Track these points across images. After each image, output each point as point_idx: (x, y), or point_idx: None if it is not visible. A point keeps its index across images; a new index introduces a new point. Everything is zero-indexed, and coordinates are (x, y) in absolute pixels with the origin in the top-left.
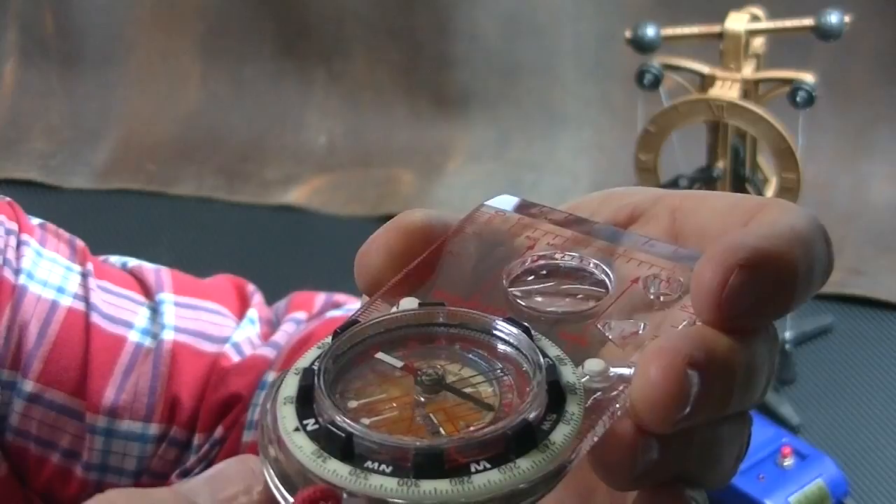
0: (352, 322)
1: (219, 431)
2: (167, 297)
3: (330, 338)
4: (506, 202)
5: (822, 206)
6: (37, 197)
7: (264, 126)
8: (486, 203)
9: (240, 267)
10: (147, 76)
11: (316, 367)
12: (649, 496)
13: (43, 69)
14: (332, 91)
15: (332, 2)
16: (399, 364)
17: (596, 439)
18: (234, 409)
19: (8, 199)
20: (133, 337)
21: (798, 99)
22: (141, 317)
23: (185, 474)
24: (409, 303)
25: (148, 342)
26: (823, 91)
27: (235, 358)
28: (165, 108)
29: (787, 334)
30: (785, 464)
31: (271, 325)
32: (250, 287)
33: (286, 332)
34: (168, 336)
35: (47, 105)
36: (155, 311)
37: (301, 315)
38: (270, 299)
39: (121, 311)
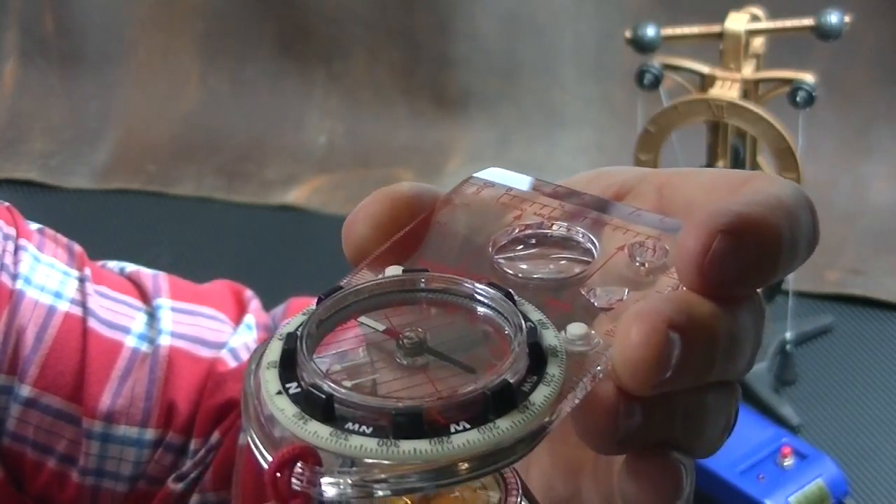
0: (336, 289)
1: (215, 436)
2: (164, 303)
3: (314, 304)
4: (494, 174)
5: (822, 206)
6: (36, 197)
7: (264, 126)
8: (474, 175)
9: (239, 267)
10: (147, 76)
11: (299, 333)
12: (636, 460)
13: (43, 69)
14: (332, 91)
15: (332, 2)
16: (381, 328)
17: (577, 401)
18: (231, 415)
19: (6, 203)
20: (130, 342)
21: (798, 99)
22: (138, 322)
23: (182, 479)
24: (393, 271)
25: (145, 347)
26: (823, 91)
27: (232, 363)
28: (165, 108)
29: (788, 334)
30: (785, 464)
31: (268, 331)
32: (248, 293)
33: None
34: (165, 341)
35: (47, 105)
36: (152, 316)
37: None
38: (269, 299)
39: (118, 317)
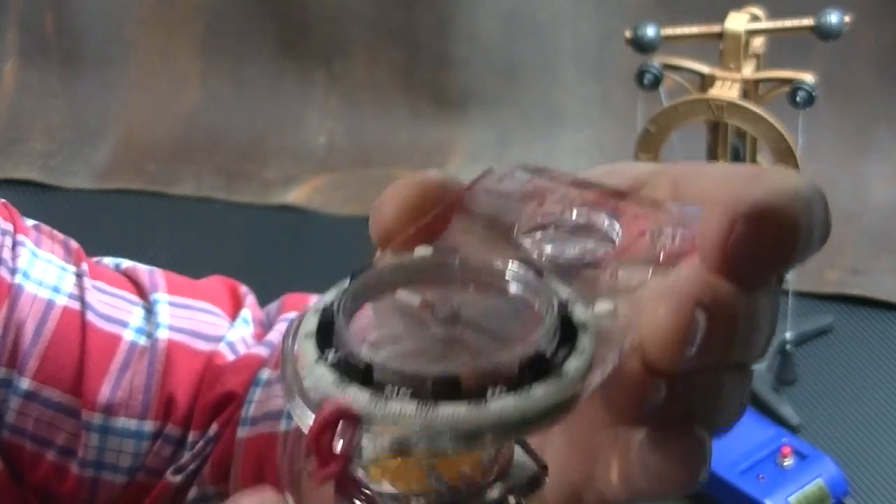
0: (369, 265)
1: (213, 429)
2: (161, 297)
3: (348, 279)
4: (516, 166)
5: None
6: (36, 197)
7: (264, 126)
8: (495, 167)
9: (239, 266)
10: (147, 76)
11: (335, 304)
12: (659, 432)
13: (43, 69)
14: (332, 91)
15: (332, 2)
16: (416, 300)
17: (607, 373)
18: (229, 407)
19: (3, 200)
20: (128, 336)
21: (798, 99)
22: (136, 316)
23: (180, 471)
24: (423, 251)
25: (143, 341)
26: (823, 91)
27: (230, 356)
28: (165, 108)
29: (788, 334)
30: (785, 464)
31: (264, 327)
32: (243, 288)
33: (280, 332)
34: (163, 335)
35: (47, 105)
36: (149, 310)
37: (294, 315)
38: (269, 299)
39: (116, 311)
